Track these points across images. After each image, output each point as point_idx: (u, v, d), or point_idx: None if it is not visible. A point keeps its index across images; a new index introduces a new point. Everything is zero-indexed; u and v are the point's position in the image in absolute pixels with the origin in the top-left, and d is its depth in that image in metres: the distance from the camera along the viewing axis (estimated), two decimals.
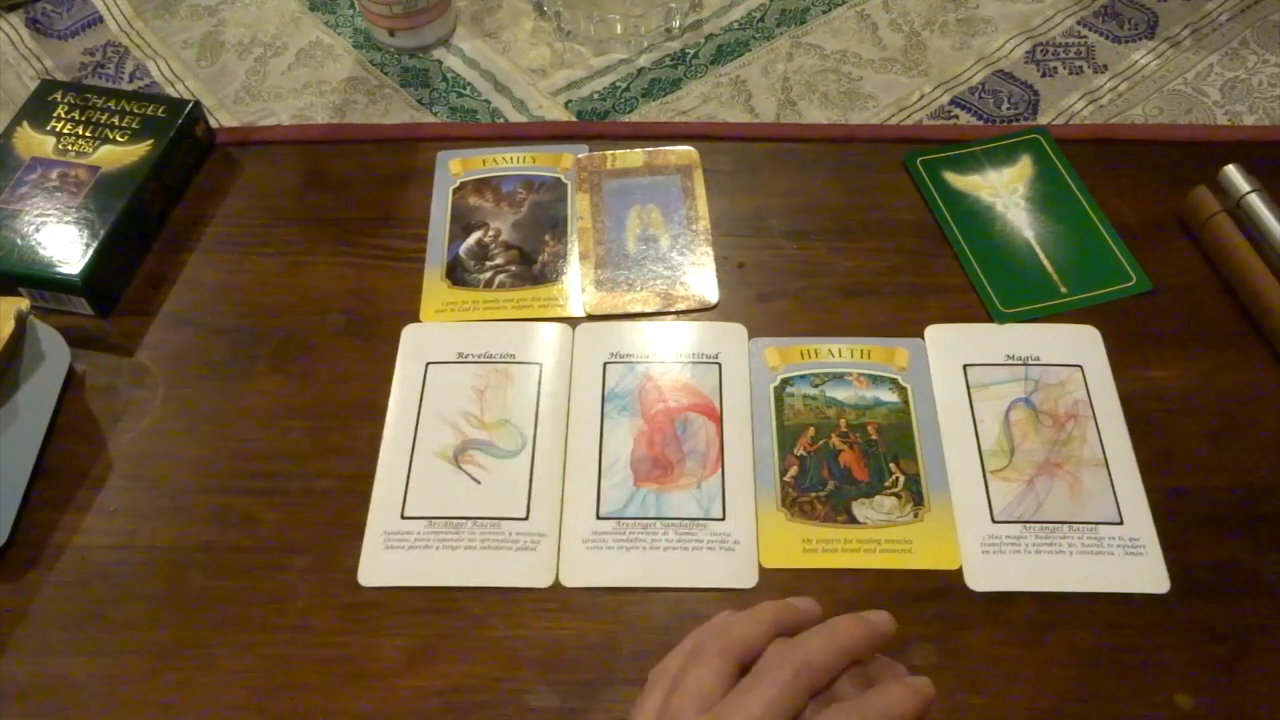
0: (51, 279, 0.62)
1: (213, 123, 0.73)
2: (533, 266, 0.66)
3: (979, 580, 0.53)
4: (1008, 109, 0.75)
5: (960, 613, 0.52)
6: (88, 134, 0.68)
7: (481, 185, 0.70)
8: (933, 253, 0.66)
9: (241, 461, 0.58)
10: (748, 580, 0.53)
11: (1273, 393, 0.60)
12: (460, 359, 0.61)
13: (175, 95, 0.76)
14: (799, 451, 0.58)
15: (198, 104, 0.70)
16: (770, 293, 0.64)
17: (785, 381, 0.60)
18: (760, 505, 0.56)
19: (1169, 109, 0.74)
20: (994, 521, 0.55)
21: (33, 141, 0.67)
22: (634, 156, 0.71)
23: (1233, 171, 0.65)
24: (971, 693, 0.50)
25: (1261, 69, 0.76)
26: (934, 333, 0.62)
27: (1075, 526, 0.55)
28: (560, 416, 0.59)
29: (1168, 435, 0.58)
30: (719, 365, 0.61)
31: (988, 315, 0.63)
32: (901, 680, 0.40)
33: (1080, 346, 0.61)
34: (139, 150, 0.67)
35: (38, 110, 0.69)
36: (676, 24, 0.79)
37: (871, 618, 0.41)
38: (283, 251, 0.67)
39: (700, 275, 0.65)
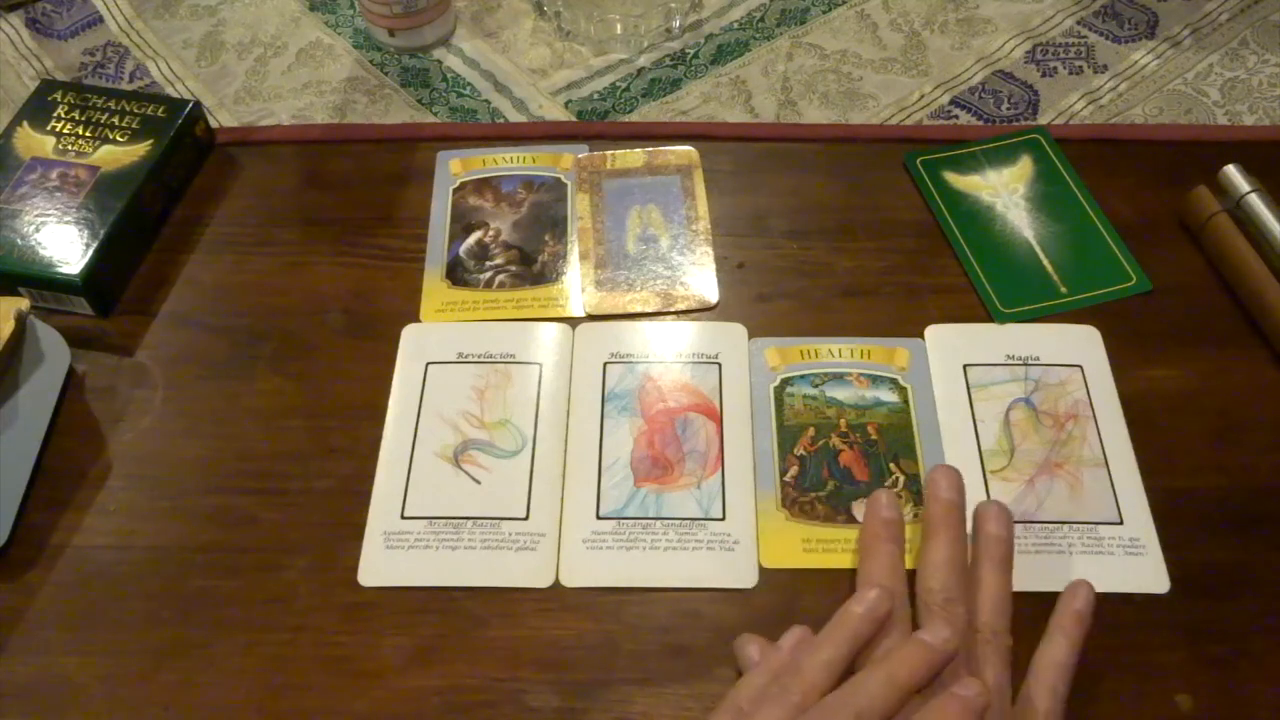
0: (51, 279, 0.62)
1: (213, 123, 0.73)
2: (533, 266, 0.66)
3: None
4: (1008, 109, 0.75)
5: None
6: (88, 134, 0.68)
7: (481, 185, 0.70)
8: (933, 253, 0.66)
9: (241, 461, 0.58)
10: (748, 580, 0.53)
11: (1273, 393, 0.60)
12: (460, 359, 0.61)
13: (175, 95, 0.76)
14: (799, 451, 0.58)
15: (198, 104, 0.70)
16: (770, 293, 0.64)
17: (785, 381, 0.60)
18: (760, 505, 0.56)
19: (1169, 109, 0.74)
20: None
21: (33, 141, 0.67)
22: (634, 156, 0.71)
23: (1233, 171, 0.65)
24: None
25: (1261, 69, 0.76)
26: (934, 333, 0.62)
27: (1075, 526, 0.55)
28: (560, 416, 0.59)
29: (1168, 435, 0.58)
30: (719, 365, 0.61)
31: (988, 315, 0.63)
32: (951, 694, 0.40)
33: (1080, 346, 0.61)
34: (139, 150, 0.67)
35: (38, 110, 0.69)
36: (676, 24, 0.79)
37: (931, 641, 0.42)
38: (282, 251, 0.67)
39: (700, 275, 0.65)
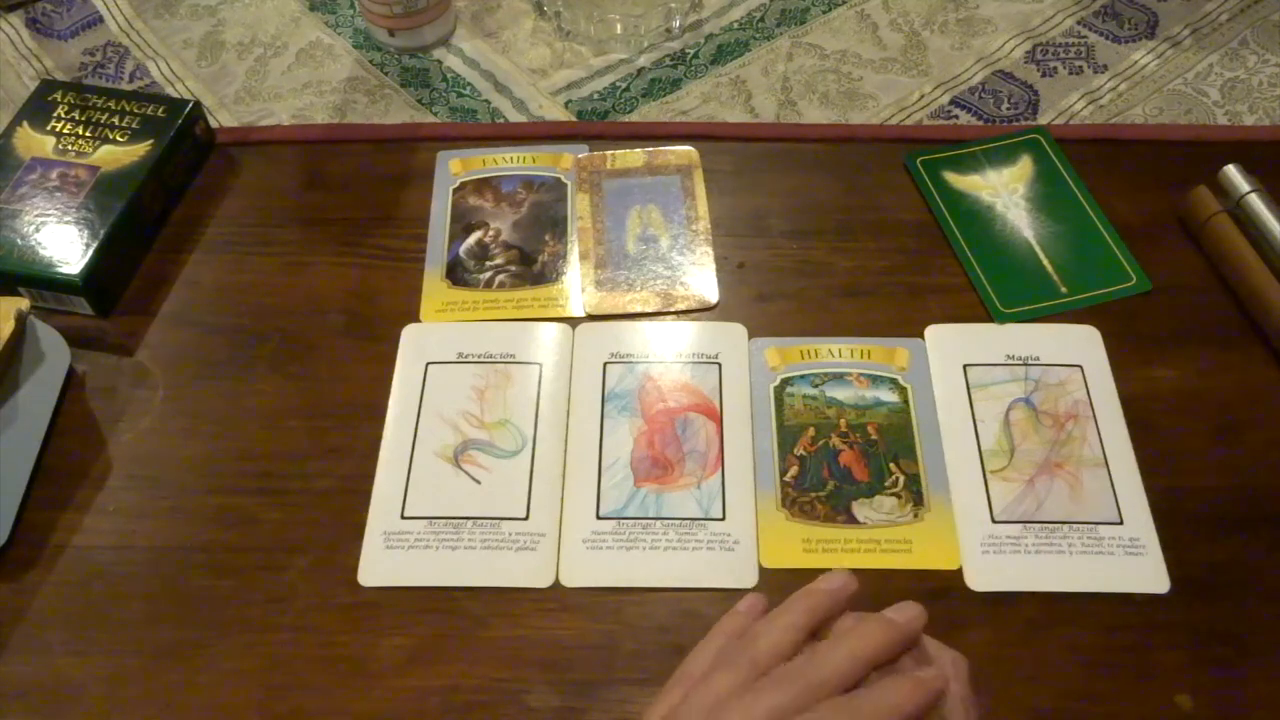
0: (51, 279, 0.62)
1: (213, 123, 0.73)
2: (533, 266, 0.66)
3: (979, 580, 0.53)
4: (1008, 109, 0.75)
5: (960, 613, 0.52)
6: (88, 134, 0.68)
7: (481, 185, 0.70)
8: (933, 253, 0.66)
9: (241, 461, 0.58)
10: (748, 580, 0.53)
11: (1273, 393, 0.60)
12: (460, 359, 0.61)
13: (175, 95, 0.76)
14: (799, 451, 0.58)
15: (198, 104, 0.70)
16: (770, 293, 0.64)
17: (785, 381, 0.60)
18: (760, 505, 0.56)
19: (1169, 109, 0.74)
20: (994, 521, 0.55)
21: (33, 141, 0.67)
22: (634, 156, 0.71)
23: (1233, 171, 0.65)
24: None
25: (1261, 69, 0.76)
26: (934, 333, 0.62)
27: (1075, 526, 0.55)
28: (560, 416, 0.59)
29: (1168, 435, 0.58)
30: (719, 365, 0.61)
31: (988, 315, 0.63)
32: (907, 674, 0.39)
33: (1080, 346, 0.61)
34: (139, 150, 0.67)
35: (38, 110, 0.69)
36: (676, 24, 0.79)
37: (898, 619, 0.41)
38: (283, 251, 0.67)
39: (700, 275, 0.65)
